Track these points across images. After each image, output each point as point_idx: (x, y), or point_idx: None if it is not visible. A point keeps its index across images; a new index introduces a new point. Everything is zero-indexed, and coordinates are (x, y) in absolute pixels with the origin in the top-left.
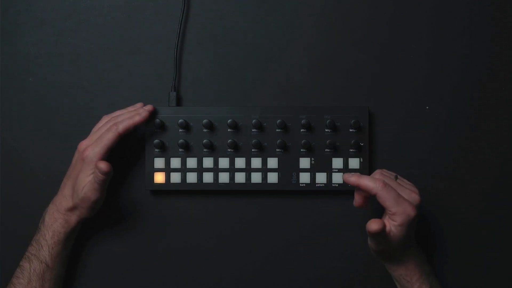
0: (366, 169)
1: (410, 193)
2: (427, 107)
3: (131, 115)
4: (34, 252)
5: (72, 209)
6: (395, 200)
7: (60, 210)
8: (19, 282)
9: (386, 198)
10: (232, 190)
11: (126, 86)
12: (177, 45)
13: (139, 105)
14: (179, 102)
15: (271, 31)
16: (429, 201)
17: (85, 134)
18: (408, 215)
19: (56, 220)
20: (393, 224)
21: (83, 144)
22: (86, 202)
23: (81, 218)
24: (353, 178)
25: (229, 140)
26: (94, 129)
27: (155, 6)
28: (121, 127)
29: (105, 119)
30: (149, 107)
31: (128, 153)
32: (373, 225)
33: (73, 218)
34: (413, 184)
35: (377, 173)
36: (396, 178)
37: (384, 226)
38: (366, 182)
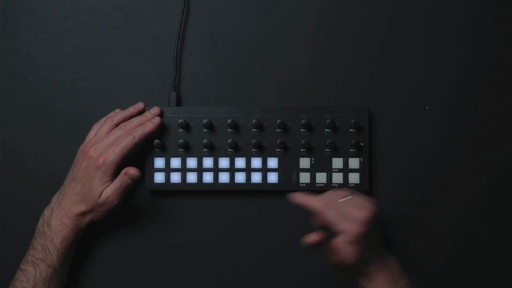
0: (366, 169)
1: (356, 210)
2: (427, 107)
3: (142, 121)
4: (40, 257)
5: (86, 213)
6: (338, 219)
7: (70, 215)
8: (23, 286)
9: (328, 217)
10: (232, 190)
11: (126, 86)
12: (177, 45)
13: (140, 105)
14: (179, 102)
15: (271, 31)
16: (429, 201)
17: (85, 134)
18: (352, 233)
19: (67, 226)
20: (342, 241)
21: (93, 150)
22: (106, 207)
23: (93, 221)
24: (298, 198)
25: (229, 140)
26: (100, 133)
27: (155, 6)
28: (137, 136)
29: (108, 122)
30: (156, 110)
31: (128, 153)
32: (306, 238)
33: (85, 221)
34: (368, 200)
35: (327, 194)
36: (349, 196)
37: (319, 239)
38: (310, 201)
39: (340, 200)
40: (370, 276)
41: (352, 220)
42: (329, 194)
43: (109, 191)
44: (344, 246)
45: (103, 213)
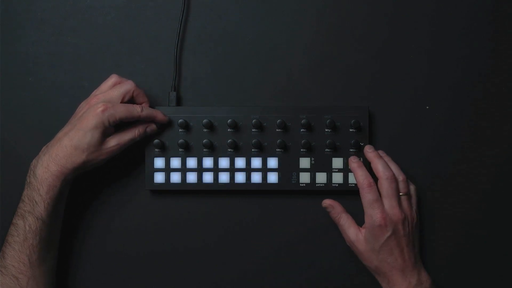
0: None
1: (393, 208)
2: (427, 107)
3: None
4: (28, 209)
5: (77, 160)
6: (369, 202)
7: (58, 161)
8: (14, 240)
9: (362, 197)
10: (232, 190)
11: None
12: (177, 45)
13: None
14: (179, 102)
15: (271, 31)
16: (430, 201)
17: None
18: (373, 221)
19: (52, 174)
20: (365, 225)
21: (95, 99)
22: (103, 156)
23: (82, 171)
24: (354, 164)
25: (229, 140)
26: (103, 87)
27: (155, 6)
28: (145, 113)
29: (114, 76)
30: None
31: (128, 153)
32: (324, 200)
33: (73, 168)
34: (414, 208)
35: (385, 179)
36: (406, 193)
37: (330, 205)
38: (356, 173)
39: (388, 185)
40: (389, 281)
41: (378, 210)
42: (384, 180)
43: (115, 141)
44: (364, 230)
45: (97, 162)
